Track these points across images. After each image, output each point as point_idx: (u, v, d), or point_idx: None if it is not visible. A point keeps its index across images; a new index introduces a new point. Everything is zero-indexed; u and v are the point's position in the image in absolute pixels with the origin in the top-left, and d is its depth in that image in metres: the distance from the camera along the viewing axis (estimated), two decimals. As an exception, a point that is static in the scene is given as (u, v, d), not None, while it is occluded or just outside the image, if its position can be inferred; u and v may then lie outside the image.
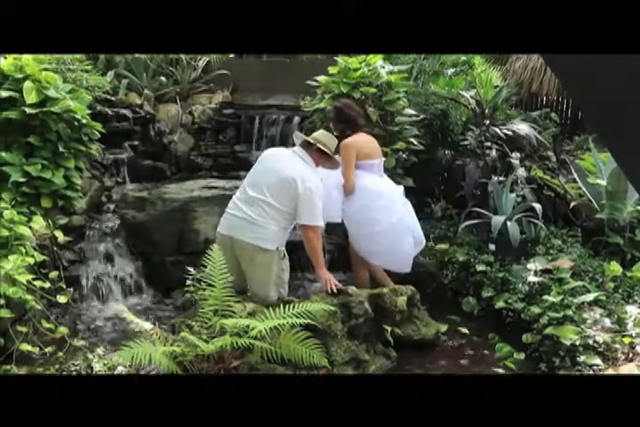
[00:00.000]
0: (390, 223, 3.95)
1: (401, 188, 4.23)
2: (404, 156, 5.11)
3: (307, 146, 3.70)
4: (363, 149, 4.04)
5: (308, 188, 3.50)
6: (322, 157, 3.72)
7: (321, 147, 3.66)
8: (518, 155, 5.37)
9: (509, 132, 5.43)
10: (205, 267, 3.34)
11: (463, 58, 7.41)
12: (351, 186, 3.97)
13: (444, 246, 4.81)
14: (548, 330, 3.49)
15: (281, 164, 3.63)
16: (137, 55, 6.66)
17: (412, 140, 5.16)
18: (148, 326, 3.23)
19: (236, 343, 2.85)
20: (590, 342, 3.34)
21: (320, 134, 3.80)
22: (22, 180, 3.98)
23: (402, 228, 4.01)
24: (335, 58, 5.18)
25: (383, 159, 4.26)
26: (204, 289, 3.28)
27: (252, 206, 3.54)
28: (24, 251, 3.66)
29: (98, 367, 3.20)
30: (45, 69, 4.36)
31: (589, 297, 3.67)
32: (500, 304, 4.04)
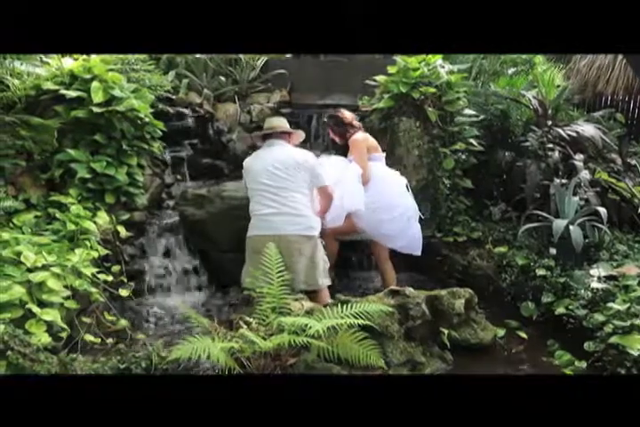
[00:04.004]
0: (406, 207, 4.39)
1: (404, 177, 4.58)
2: (463, 157, 5.05)
3: (271, 135, 4.08)
4: (370, 143, 4.48)
5: (309, 159, 3.98)
6: (289, 137, 4.17)
7: (282, 129, 4.10)
8: (582, 156, 5.19)
9: (573, 133, 5.26)
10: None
11: (524, 57, 7.24)
12: (368, 175, 4.34)
13: (502, 249, 4.70)
14: (613, 339, 3.35)
15: (279, 157, 3.92)
16: (197, 56, 6.77)
17: (471, 140, 5.09)
18: (206, 321, 3.28)
19: (294, 341, 2.86)
20: (661, 353, 3.19)
21: (271, 121, 4.17)
22: (88, 176, 4.12)
23: (414, 211, 4.43)
24: (394, 57, 5.14)
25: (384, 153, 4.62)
26: (262, 287, 3.32)
27: (286, 197, 3.78)
28: (89, 245, 3.79)
29: (157, 360, 3.26)
30: (111, 70, 4.50)
31: (659, 306, 3.52)
32: (560, 310, 3.91)
